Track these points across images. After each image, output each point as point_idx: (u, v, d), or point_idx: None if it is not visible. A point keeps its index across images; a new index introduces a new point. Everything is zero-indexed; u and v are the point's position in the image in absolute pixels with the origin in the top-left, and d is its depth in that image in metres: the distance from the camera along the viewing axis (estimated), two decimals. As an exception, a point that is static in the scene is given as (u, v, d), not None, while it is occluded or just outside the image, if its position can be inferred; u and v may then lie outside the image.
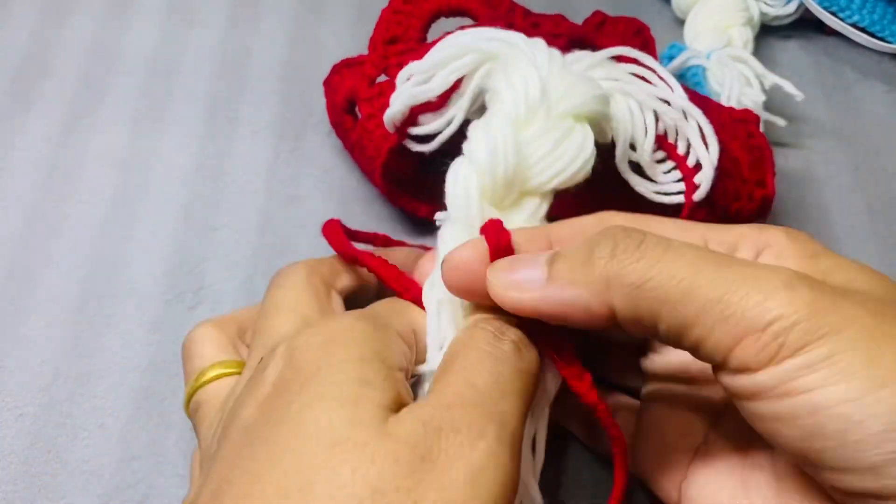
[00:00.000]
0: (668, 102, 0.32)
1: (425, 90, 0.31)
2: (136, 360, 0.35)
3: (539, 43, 0.30)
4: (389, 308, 0.28)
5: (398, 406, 0.22)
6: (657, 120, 0.31)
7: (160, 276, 0.38)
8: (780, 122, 0.42)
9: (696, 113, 0.32)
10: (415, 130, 0.33)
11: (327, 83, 0.41)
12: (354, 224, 0.40)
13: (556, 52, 0.30)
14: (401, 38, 0.36)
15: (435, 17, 0.37)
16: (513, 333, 0.25)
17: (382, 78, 0.36)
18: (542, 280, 0.24)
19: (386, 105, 0.33)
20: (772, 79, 0.42)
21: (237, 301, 0.37)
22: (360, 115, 0.36)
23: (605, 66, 0.32)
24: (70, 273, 0.38)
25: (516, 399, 0.23)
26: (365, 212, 0.40)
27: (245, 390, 0.24)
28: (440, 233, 0.28)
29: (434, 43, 0.33)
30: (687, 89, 0.35)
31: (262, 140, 0.43)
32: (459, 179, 0.28)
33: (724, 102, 0.40)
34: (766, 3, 0.47)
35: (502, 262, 0.25)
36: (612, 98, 0.30)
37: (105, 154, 0.43)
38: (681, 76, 0.43)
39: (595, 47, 0.34)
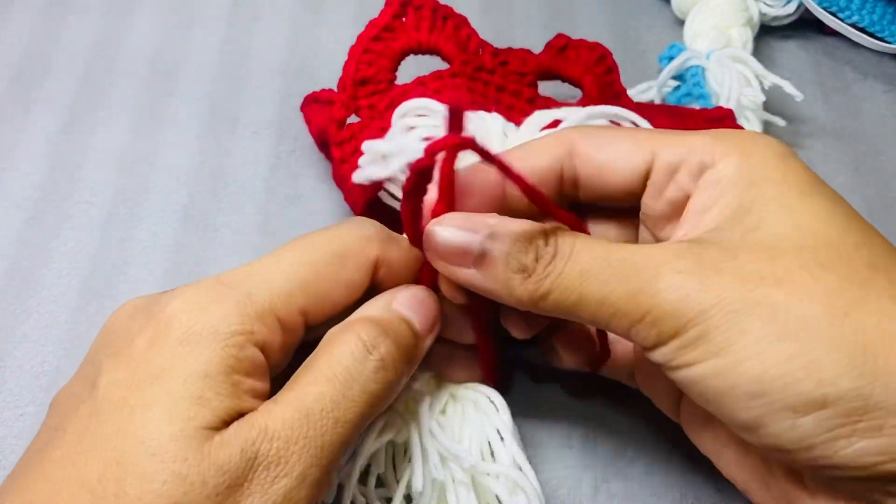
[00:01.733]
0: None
1: (383, 172, 0.33)
2: (137, 359, 0.35)
3: (497, 123, 0.33)
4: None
5: (236, 417, 0.24)
6: None
7: (160, 275, 0.38)
8: (780, 122, 0.42)
9: None
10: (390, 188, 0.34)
11: (303, 111, 0.42)
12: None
13: (510, 127, 0.34)
14: (371, 80, 0.37)
15: (404, 55, 0.38)
16: (384, 349, 0.26)
17: (354, 118, 0.37)
18: (475, 256, 0.26)
19: (357, 149, 0.34)
20: (771, 79, 0.42)
21: (237, 301, 0.37)
22: (332, 157, 0.36)
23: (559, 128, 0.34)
24: (70, 273, 0.38)
25: (347, 429, 0.25)
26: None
27: (119, 342, 0.26)
28: None
29: (402, 88, 0.35)
30: (660, 107, 0.38)
31: (262, 140, 0.43)
32: None
33: (724, 102, 0.40)
34: (765, 3, 0.47)
35: (442, 226, 0.27)
36: None
37: (105, 154, 0.43)
38: (680, 76, 0.43)
39: (561, 77, 0.39)
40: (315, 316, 0.27)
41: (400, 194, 0.34)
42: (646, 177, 0.28)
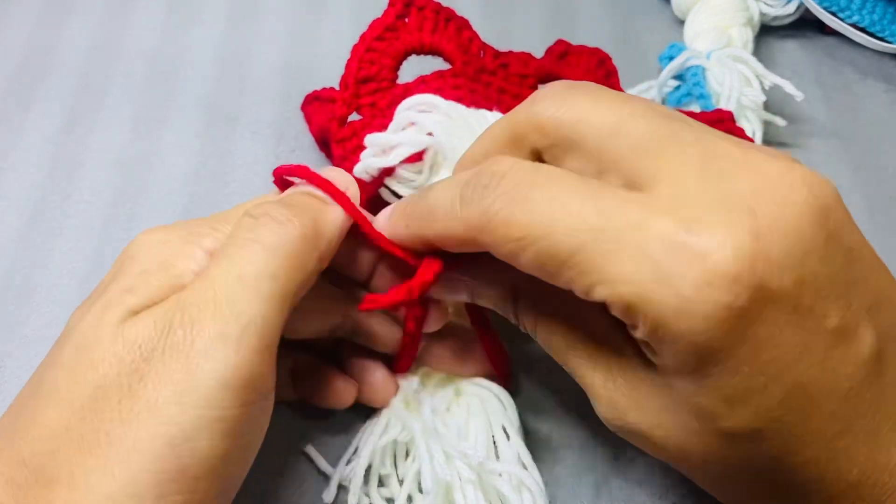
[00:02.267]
0: None
1: (385, 162, 0.33)
2: (137, 360, 0.35)
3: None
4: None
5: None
6: None
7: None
8: (780, 122, 0.42)
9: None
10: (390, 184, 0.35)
11: (303, 111, 0.42)
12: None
13: None
14: (373, 78, 0.37)
15: (407, 55, 0.38)
16: (267, 207, 0.26)
17: (355, 116, 0.37)
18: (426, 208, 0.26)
19: (358, 147, 0.35)
20: (772, 79, 0.42)
21: (237, 301, 0.37)
22: (333, 155, 0.36)
23: None
24: (70, 273, 0.38)
25: (258, 284, 0.24)
26: (365, 212, 0.40)
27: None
28: None
29: (404, 87, 0.36)
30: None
31: (262, 140, 0.43)
32: None
33: (724, 102, 0.40)
34: (765, 3, 0.47)
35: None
36: None
37: (105, 153, 0.43)
38: (680, 76, 0.43)
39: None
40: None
41: (401, 191, 0.35)
42: None
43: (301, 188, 0.29)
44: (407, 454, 0.31)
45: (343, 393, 0.31)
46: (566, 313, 0.26)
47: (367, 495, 0.30)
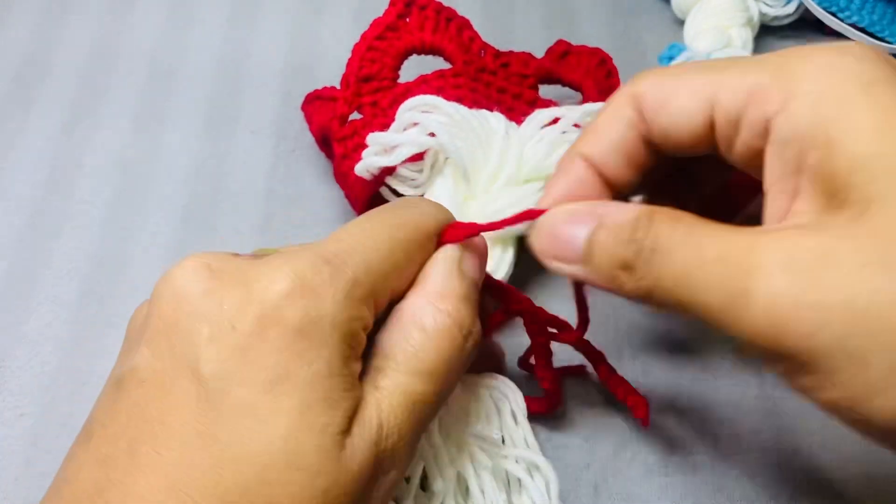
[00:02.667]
0: None
1: (387, 161, 0.33)
2: (137, 359, 0.35)
3: (499, 121, 0.34)
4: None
5: (354, 408, 0.23)
6: None
7: (161, 275, 0.38)
8: (780, 122, 0.42)
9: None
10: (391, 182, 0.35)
11: (303, 110, 0.42)
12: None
13: (512, 126, 0.35)
14: (374, 77, 0.37)
15: (408, 55, 0.38)
16: (476, 332, 0.26)
17: (356, 115, 0.37)
18: (580, 252, 0.25)
19: (359, 145, 0.35)
20: (771, 79, 0.42)
21: (238, 301, 0.37)
22: (334, 153, 0.36)
23: (562, 122, 0.35)
24: (71, 273, 0.38)
25: (438, 409, 0.26)
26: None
27: (211, 319, 0.23)
28: None
29: (405, 86, 0.36)
30: None
31: (263, 140, 0.43)
32: None
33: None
34: (765, 3, 0.47)
35: (547, 227, 0.26)
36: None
37: (105, 154, 0.43)
38: (680, 76, 0.43)
39: (562, 81, 0.39)
40: (397, 295, 0.26)
41: (401, 189, 0.35)
42: (713, 131, 0.25)
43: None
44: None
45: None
46: None
47: None
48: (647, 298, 0.24)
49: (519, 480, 0.30)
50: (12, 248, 0.39)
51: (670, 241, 0.23)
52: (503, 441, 0.30)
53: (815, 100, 0.21)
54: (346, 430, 0.22)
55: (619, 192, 0.28)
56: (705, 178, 0.30)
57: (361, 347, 0.24)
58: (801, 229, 0.21)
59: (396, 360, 0.25)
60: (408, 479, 0.30)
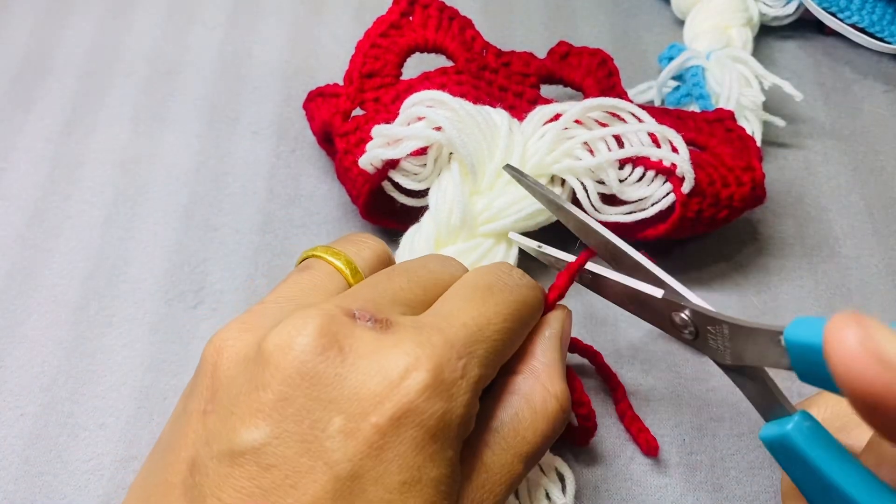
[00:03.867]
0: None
1: (392, 153, 0.34)
2: (137, 359, 0.35)
3: (502, 118, 0.35)
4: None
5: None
6: (621, 146, 0.35)
7: (161, 275, 0.38)
8: (780, 122, 0.42)
9: (662, 128, 0.35)
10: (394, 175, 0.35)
11: (305, 108, 0.42)
12: (356, 224, 0.40)
13: (514, 123, 0.35)
14: (377, 73, 0.37)
15: (411, 52, 0.39)
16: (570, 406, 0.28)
17: (358, 111, 0.37)
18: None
19: (362, 140, 0.35)
20: (771, 79, 0.42)
21: (238, 300, 0.37)
22: (336, 149, 0.36)
23: (563, 119, 0.35)
24: (71, 273, 0.38)
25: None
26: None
27: (350, 423, 0.22)
28: None
29: (408, 83, 0.36)
30: (661, 109, 0.38)
31: (263, 140, 0.43)
32: None
33: (723, 103, 0.40)
34: (765, 3, 0.47)
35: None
36: (567, 157, 0.35)
37: (106, 154, 0.43)
38: (680, 77, 0.43)
39: (563, 81, 0.40)
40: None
41: (404, 183, 0.35)
42: None
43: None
44: None
45: None
46: None
47: None
48: None
49: (527, 479, 0.30)
50: (12, 248, 0.39)
51: None
52: None
53: None
54: None
55: None
56: None
57: (469, 432, 0.24)
58: None
59: (506, 439, 0.25)
60: None
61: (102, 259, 0.39)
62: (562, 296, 0.30)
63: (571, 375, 0.31)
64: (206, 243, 0.39)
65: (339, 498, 0.21)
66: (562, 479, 0.31)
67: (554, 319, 0.29)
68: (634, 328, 0.36)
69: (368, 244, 0.29)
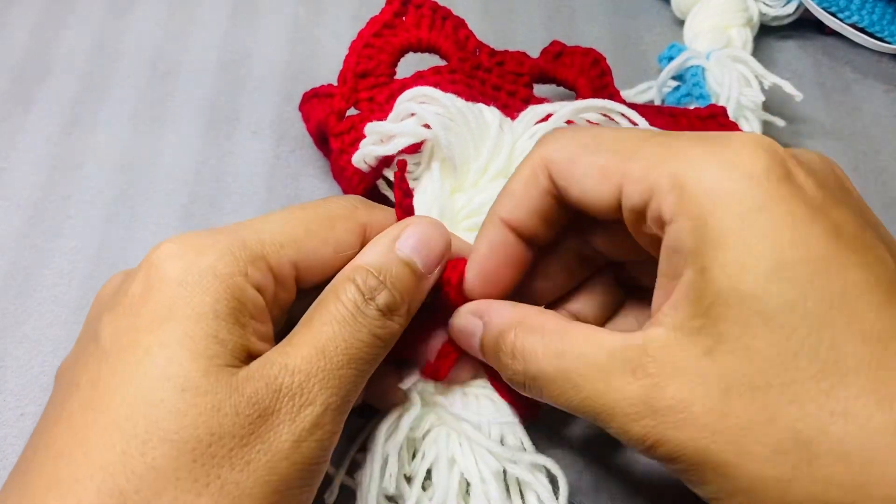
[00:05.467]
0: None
1: (384, 150, 0.34)
2: (137, 359, 0.35)
3: (494, 115, 0.35)
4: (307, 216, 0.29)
5: (248, 357, 0.25)
6: None
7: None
8: (780, 122, 0.42)
9: (656, 130, 0.35)
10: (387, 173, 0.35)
11: (301, 110, 0.42)
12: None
13: (507, 121, 0.35)
14: (371, 73, 0.38)
15: (404, 52, 0.39)
16: (383, 298, 0.27)
17: (353, 111, 0.37)
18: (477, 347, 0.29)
19: (356, 139, 0.35)
20: (771, 79, 0.42)
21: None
22: (331, 149, 0.37)
23: (553, 119, 0.35)
24: (71, 273, 0.38)
25: (360, 366, 0.26)
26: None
27: (112, 298, 0.26)
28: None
29: (402, 82, 0.36)
30: (654, 108, 0.38)
31: (263, 140, 0.43)
32: None
33: (723, 103, 0.40)
34: (765, 3, 0.47)
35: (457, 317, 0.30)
36: None
37: (106, 154, 0.43)
38: (680, 76, 0.43)
39: (556, 81, 0.40)
40: (307, 272, 0.28)
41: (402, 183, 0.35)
42: (621, 211, 0.26)
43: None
44: (415, 454, 0.31)
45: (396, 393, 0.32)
46: None
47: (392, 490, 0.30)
48: (527, 391, 0.27)
49: (518, 480, 0.30)
50: (12, 248, 0.39)
51: (526, 349, 0.27)
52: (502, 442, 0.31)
53: (698, 226, 0.23)
54: (236, 366, 0.24)
55: (540, 244, 0.30)
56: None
57: (255, 305, 0.26)
58: (644, 352, 0.24)
59: (311, 323, 0.26)
60: (409, 479, 0.30)
61: (103, 259, 0.39)
62: (403, 209, 0.31)
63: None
64: (206, 243, 0.39)
65: (101, 359, 0.25)
66: (554, 482, 0.30)
67: (389, 229, 0.29)
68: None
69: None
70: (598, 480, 0.32)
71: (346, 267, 0.28)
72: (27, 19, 0.49)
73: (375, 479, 0.29)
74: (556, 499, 0.29)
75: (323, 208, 0.29)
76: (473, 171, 0.34)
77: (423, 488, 0.30)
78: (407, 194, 0.31)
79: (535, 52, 0.41)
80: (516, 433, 0.31)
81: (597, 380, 0.24)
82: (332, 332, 0.26)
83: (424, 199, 0.34)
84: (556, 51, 0.41)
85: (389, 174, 0.35)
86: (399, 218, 0.30)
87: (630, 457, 0.33)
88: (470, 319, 0.29)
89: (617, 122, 0.35)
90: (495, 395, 0.31)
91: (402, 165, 0.32)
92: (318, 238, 0.28)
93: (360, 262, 0.28)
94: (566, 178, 0.27)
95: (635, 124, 0.35)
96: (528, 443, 0.31)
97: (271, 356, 0.25)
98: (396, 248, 0.28)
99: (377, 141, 0.34)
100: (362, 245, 0.29)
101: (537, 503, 0.29)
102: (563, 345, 0.26)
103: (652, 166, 0.24)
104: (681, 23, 0.48)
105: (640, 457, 0.33)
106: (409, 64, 0.39)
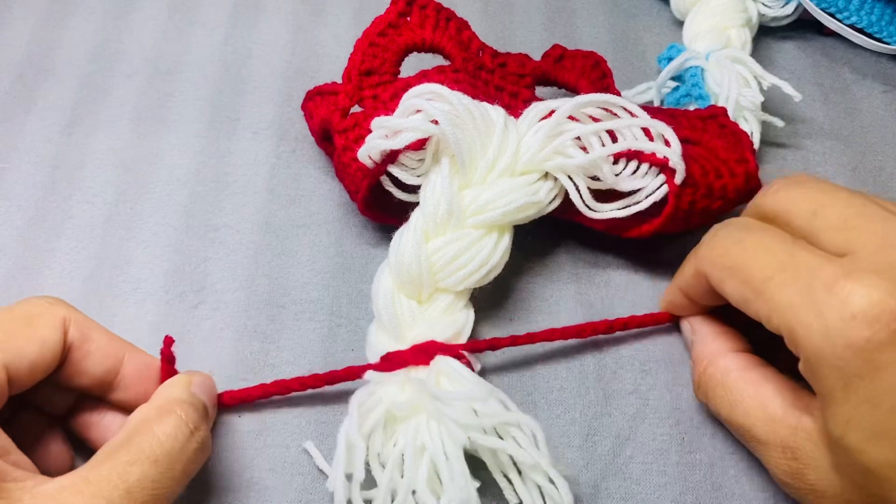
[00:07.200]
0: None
1: (391, 144, 0.34)
2: (138, 359, 0.35)
3: (499, 114, 0.35)
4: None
5: None
6: (615, 141, 0.35)
7: (162, 275, 0.38)
8: (779, 122, 0.42)
9: (655, 122, 0.35)
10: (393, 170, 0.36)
11: (304, 108, 0.42)
12: (356, 223, 0.40)
13: (511, 120, 0.35)
14: (376, 71, 0.38)
15: (408, 52, 0.39)
16: (203, 431, 0.29)
17: (356, 109, 0.37)
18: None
19: (360, 136, 0.36)
20: (770, 79, 0.42)
21: (238, 300, 0.37)
22: (335, 146, 0.37)
23: (557, 114, 0.35)
24: (72, 273, 0.38)
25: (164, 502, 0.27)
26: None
27: None
28: (369, 329, 0.35)
29: (406, 81, 0.36)
30: (654, 109, 0.38)
31: (263, 140, 0.43)
32: (380, 276, 0.35)
33: (722, 103, 0.40)
34: (764, 4, 0.47)
35: None
36: (559, 154, 0.35)
37: (107, 154, 0.43)
38: (679, 77, 0.43)
39: (557, 83, 0.40)
40: (17, 372, 0.28)
41: (403, 177, 0.35)
42: None
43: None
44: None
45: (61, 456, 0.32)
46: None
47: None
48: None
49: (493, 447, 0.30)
50: (13, 248, 0.39)
51: (714, 396, 0.32)
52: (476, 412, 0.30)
53: (812, 379, 0.27)
54: None
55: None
56: None
57: None
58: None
59: (112, 450, 0.27)
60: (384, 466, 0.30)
61: (103, 259, 0.39)
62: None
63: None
64: (206, 243, 0.39)
65: None
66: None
67: (179, 376, 0.31)
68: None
69: None
70: (598, 480, 0.33)
71: (159, 402, 0.29)
72: (28, 20, 0.49)
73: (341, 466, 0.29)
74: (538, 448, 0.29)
75: (19, 309, 0.29)
76: (481, 167, 0.34)
77: (402, 476, 0.30)
78: (170, 361, 0.32)
79: (535, 53, 0.41)
80: (499, 398, 0.31)
81: (759, 439, 0.29)
82: (141, 472, 0.26)
83: (433, 193, 0.34)
84: (557, 54, 0.41)
85: (394, 170, 0.35)
86: (163, 371, 0.32)
87: (630, 457, 0.33)
88: (687, 329, 0.35)
89: (618, 117, 0.35)
90: (467, 372, 0.32)
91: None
92: (21, 338, 0.28)
93: (176, 397, 0.29)
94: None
95: (635, 117, 0.35)
96: (505, 398, 0.31)
97: (64, 495, 0.25)
98: (194, 391, 0.30)
99: (383, 136, 0.34)
100: (66, 341, 0.29)
101: (518, 449, 0.29)
102: (735, 397, 0.31)
103: (773, 311, 0.28)
104: (680, 23, 0.48)
105: (640, 457, 0.33)
106: (412, 65, 0.39)
